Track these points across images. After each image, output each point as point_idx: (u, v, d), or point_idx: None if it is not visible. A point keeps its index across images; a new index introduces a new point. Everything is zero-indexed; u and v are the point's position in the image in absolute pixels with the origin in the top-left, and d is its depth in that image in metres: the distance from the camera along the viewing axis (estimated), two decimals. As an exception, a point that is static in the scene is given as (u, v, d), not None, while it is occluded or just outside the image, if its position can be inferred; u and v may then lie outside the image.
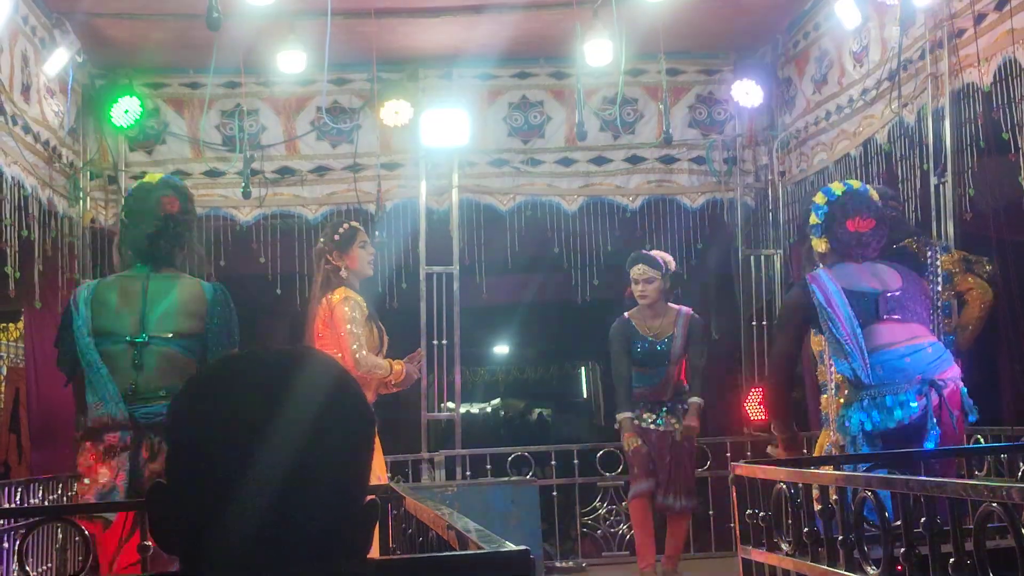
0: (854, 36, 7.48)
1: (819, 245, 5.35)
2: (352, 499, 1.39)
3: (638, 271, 7.47)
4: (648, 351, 7.43)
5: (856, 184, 5.51)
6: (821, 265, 5.34)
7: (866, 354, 4.98)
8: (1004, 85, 5.82)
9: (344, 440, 1.36)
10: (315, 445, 1.32)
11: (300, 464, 1.31)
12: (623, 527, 8.59)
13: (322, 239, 6.32)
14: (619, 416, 7.46)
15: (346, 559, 1.39)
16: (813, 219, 5.36)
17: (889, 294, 5.10)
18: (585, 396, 19.31)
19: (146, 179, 5.22)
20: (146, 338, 4.75)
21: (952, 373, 5.03)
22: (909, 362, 4.98)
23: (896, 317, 5.05)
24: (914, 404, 4.91)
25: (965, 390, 5.06)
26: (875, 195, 5.43)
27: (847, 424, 5.10)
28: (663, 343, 7.45)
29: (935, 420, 4.85)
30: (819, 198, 5.36)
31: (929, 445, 4.84)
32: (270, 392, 1.35)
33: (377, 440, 6.10)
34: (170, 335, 4.80)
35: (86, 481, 4.69)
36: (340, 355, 5.83)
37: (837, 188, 5.37)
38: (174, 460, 1.38)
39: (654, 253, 7.60)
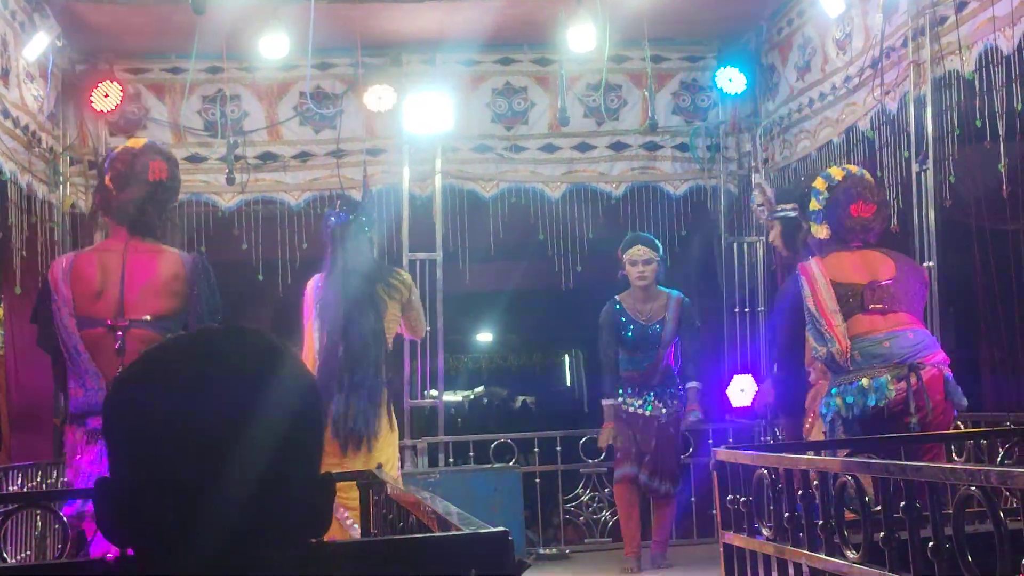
0: (837, 23, 7.49)
1: (819, 231, 5.31)
2: (305, 475, 1.37)
3: (638, 252, 7.46)
4: (639, 335, 7.43)
5: (854, 169, 5.49)
6: (815, 255, 5.32)
7: (846, 340, 4.97)
8: (986, 72, 5.83)
9: (287, 415, 1.34)
10: (258, 423, 1.30)
11: (245, 444, 1.29)
12: (606, 514, 8.60)
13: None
14: (604, 403, 7.48)
15: (305, 535, 1.38)
16: (813, 204, 5.31)
17: (878, 284, 5.08)
18: (569, 383, 19.33)
19: (130, 143, 5.10)
20: (127, 322, 4.69)
21: (935, 359, 5.01)
22: (888, 347, 4.98)
23: (881, 307, 5.04)
24: (891, 388, 4.89)
25: (950, 376, 5.04)
26: (871, 179, 5.42)
27: (824, 410, 5.11)
28: (654, 327, 7.46)
29: (915, 405, 4.85)
30: (819, 183, 5.31)
31: (912, 426, 4.84)
32: (206, 375, 1.33)
33: (395, 427, 6.13)
34: (149, 318, 4.73)
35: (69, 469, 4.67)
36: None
37: (836, 173, 5.34)
38: (115, 454, 1.35)
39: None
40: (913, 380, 4.89)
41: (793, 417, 5.74)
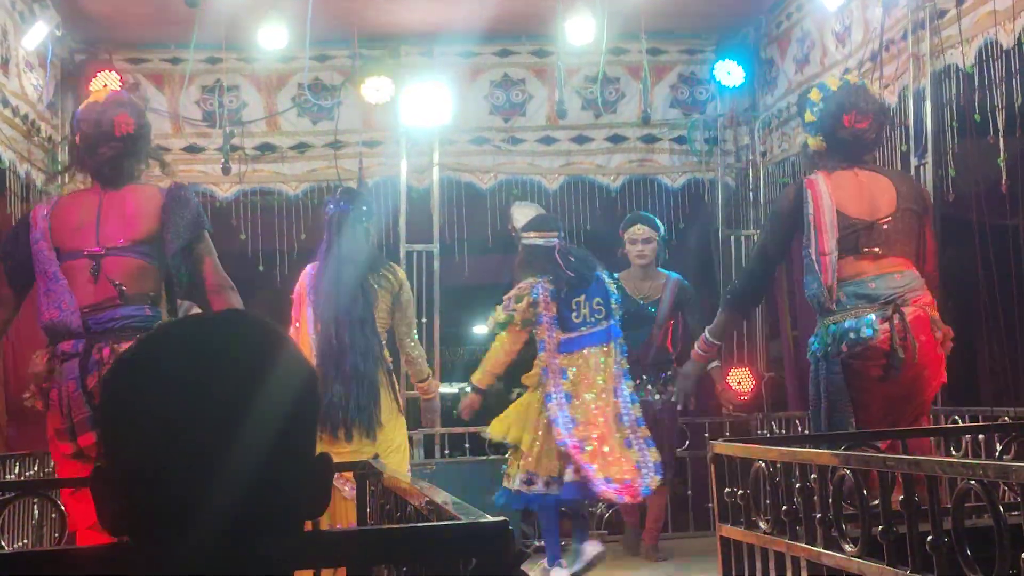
0: (836, 16, 7.48)
1: (814, 143, 5.24)
2: (303, 456, 1.37)
3: (637, 231, 7.49)
4: (635, 312, 7.43)
5: (853, 79, 5.42)
6: (816, 169, 5.24)
7: (834, 279, 4.94)
8: (985, 66, 5.82)
9: (282, 398, 1.33)
10: (254, 407, 1.30)
11: (241, 428, 1.28)
12: (601, 506, 8.59)
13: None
14: None
15: (303, 515, 1.38)
16: (808, 116, 5.24)
17: (878, 223, 5.02)
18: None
19: (92, 99, 5.05)
20: (102, 250, 4.67)
21: (921, 300, 4.97)
22: (873, 287, 4.95)
23: (875, 251, 4.99)
24: (875, 325, 4.86)
25: (936, 317, 5.00)
26: (873, 90, 5.35)
27: (810, 349, 5.09)
28: (650, 305, 7.47)
29: (900, 345, 4.81)
30: (814, 94, 5.24)
31: (895, 368, 4.81)
32: (201, 360, 1.32)
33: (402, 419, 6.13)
34: (124, 242, 4.71)
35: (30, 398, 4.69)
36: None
37: (832, 83, 5.27)
38: (112, 442, 1.34)
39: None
40: (896, 320, 4.85)
41: (732, 313, 5.69)
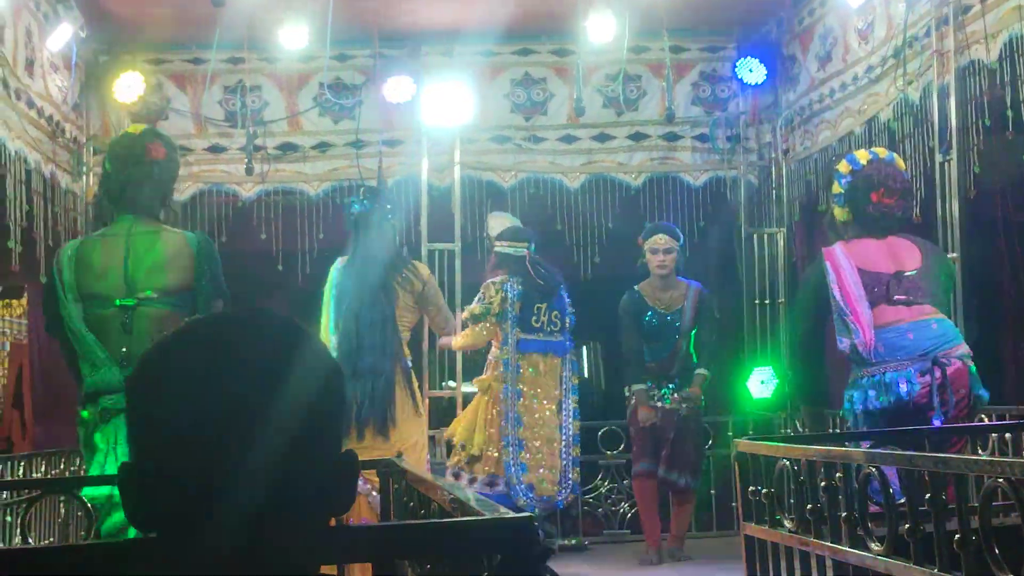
0: (859, 13, 7.44)
1: (840, 215, 5.26)
2: (328, 453, 1.36)
3: (660, 240, 7.47)
4: (658, 324, 7.43)
5: (883, 153, 5.40)
6: (839, 239, 5.26)
7: (871, 331, 4.93)
8: (1010, 62, 5.78)
9: (308, 395, 1.33)
10: (279, 404, 1.29)
11: (266, 425, 1.28)
12: (624, 505, 8.59)
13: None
14: (633, 388, 7.44)
15: (328, 513, 1.37)
16: (836, 188, 5.27)
17: (905, 274, 5.02)
18: (587, 375, 19.30)
19: (130, 129, 5.09)
20: (134, 301, 4.65)
21: (959, 351, 4.96)
22: (912, 338, 4.93)
23: (906, 298, 4.98)
24: (915, 382, 4.85)
25: (974, 368, 4.99)
26: (901, 164, 5.36)
27: (848, 404, 5.07)
28: (673, 315, 7.45)
29: (939, 400, 4.80)
30: (843, 167, 5.26)
31: (937, 421, 4.80)
32: (226, 357, 1.32)
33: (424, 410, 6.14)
34: (158, 295, 4.69)
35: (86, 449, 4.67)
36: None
37: (862, 157, 5.27)
38: (137, 437, 1.34)
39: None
40: (938, 374, 4.84)
41: (816, 405, 5.70)
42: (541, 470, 6.80)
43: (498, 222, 7.25)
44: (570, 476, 6.97)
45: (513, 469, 6.69)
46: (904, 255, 5.10)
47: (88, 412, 4.60)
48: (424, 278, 6.23)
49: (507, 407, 6.78)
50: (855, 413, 5.00)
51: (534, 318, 6.89)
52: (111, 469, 4.45)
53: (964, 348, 4.99)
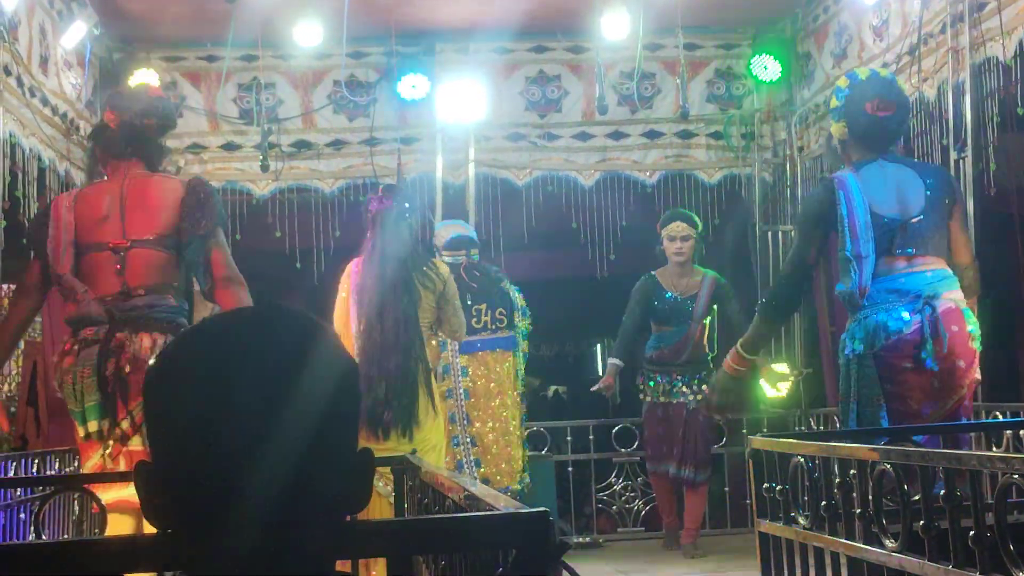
0: (874, 10, 7.43)
1: (837, 130, 5.19)
2: (343, 450, 1.37)
3: (676, 228, 7.53)
4: (671, 307, 7.50)
5: (883, 72, 5.37)
6: (846, 164, 5.19)
7: (868, 281, 4.89)
8: (1026, 59, 5.77)
9: (323, 392, 1.33)
10: (294, 402, 1.30)
11: (281, 423, 1.28)
12: (639, 503, 8.60)
13: None
14: (609, 360, 7.76)
15: (344, 510, 1.38)
16: (833, 102, 5.19)
17: (911, 221, 4.96)
18: (601, 373, 19.27)
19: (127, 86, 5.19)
20: (128, 243, 4.72)
21: (952, 294, 4.91)
22: (903, 282, 4.88)
23: (908, 251, 4.94)
24: (906, 317, 4.80)
25: (969, 311, 4.93)
26: (902, 84, 5.32)
27: (841, 349, 5.03)
28: (687, 301, 7.49)
29: (930, 334, 4.76)
30: (842, 81, 5.20)
31: (927, 358, 4.75)
32: (241, 355, 1.32)
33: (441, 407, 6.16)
34: (151, 237, 4.75)
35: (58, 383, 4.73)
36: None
37: (862, 72, 5.23)
38: (158, 437, 1.34)
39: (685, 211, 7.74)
40: (928, 312, 4.80)
41: (768, 321, 5.56)
42: (497, 464, 6.96)
43: (446, 230, 7.42)
44: (527, 463, 7.24)
45: (466, 465, 6.86)
46: (910, 194, 5.01)
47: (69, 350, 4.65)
48: (444, 277, 6.22)
49: (453, 408, 6.97)
50: (847, 358, 4.96)
51: (474, 319, 7.04)
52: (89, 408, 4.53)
53: (958, 293, 4.93)
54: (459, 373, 7.04)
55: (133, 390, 4.53)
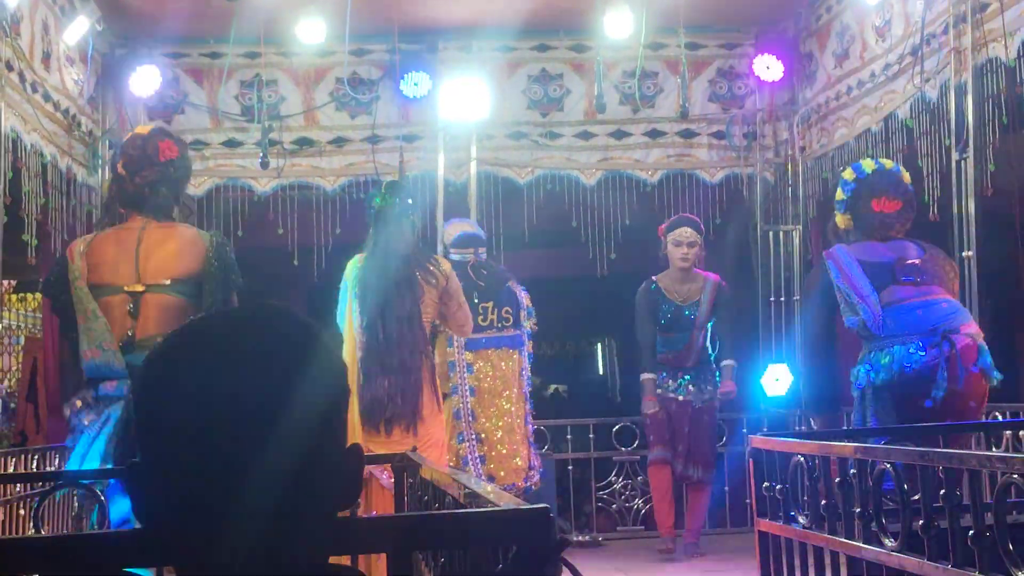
0: (876, 10, 7.43)
1: (842, 221, 5.31)
2: (334, 448, 1.37)
3: (684, 234, 7.53)
4: (674, 316, 7.49)
5: (888, 164, 5.44)
6: (842, 242, 5.29)
7: (878, 307, 4.92)
8: (1029, 60, 5.77)
9: (313, 390, 1.32)
10: (284, 400, 1.30)
11: (272, 421, 1.28)
12: (638, 501, 8.60)
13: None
14: (642, 377, 7.56)
15: (336, 506, 1.39)
16: (839, 195, 5.31)
17: (907, 262, 5.03)
18: (601, 372, 19.28)
19: (138, 130, 5.11)
20: (143, 287, 4.68)
21: (969, 328, 4.94)
22: (921, 314, 4.92)
23: (913, 280, 4.98)
24: (922, 353, 4.82)
25: (985, 347, 4.96)
26: (906, 177, 5.37)
27: (855, 380, 5.05)
28: (690, 308, 7.49)
29: (945, 374, 4.77)
30: (848, 174, 5.30)
31: (939, 394, 4.76)
32: (232, 354, 1.32)
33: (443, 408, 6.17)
34: (167, 282, 4.71)
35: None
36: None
37: (868, 166, 5.30)
38: (144, 437, 1.33)
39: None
40: (946, 348, 4.82)
41: (828, 411, 5.67)
42: (502, 461, 6.96)
43: (454, 227, 7.46)
44: (536, 464, 7.22)
45: (471, 462, 6.86)
46: (905, 251, 5.11)
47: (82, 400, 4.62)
48: (447, 273, 6.22)
49: (459, 405, 6.99)
50: (862, 388, 4.99)
51: (480, 317, 7.04)
52: (91, 457, 4.46)
53: (975, 327, 4.97)
54: (465, 370, 7.05)
55: None
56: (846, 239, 5.32)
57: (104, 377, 4.61)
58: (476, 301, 7.04)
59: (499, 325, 7.17)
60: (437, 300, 6.13)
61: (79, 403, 4.65)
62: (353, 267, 6.14)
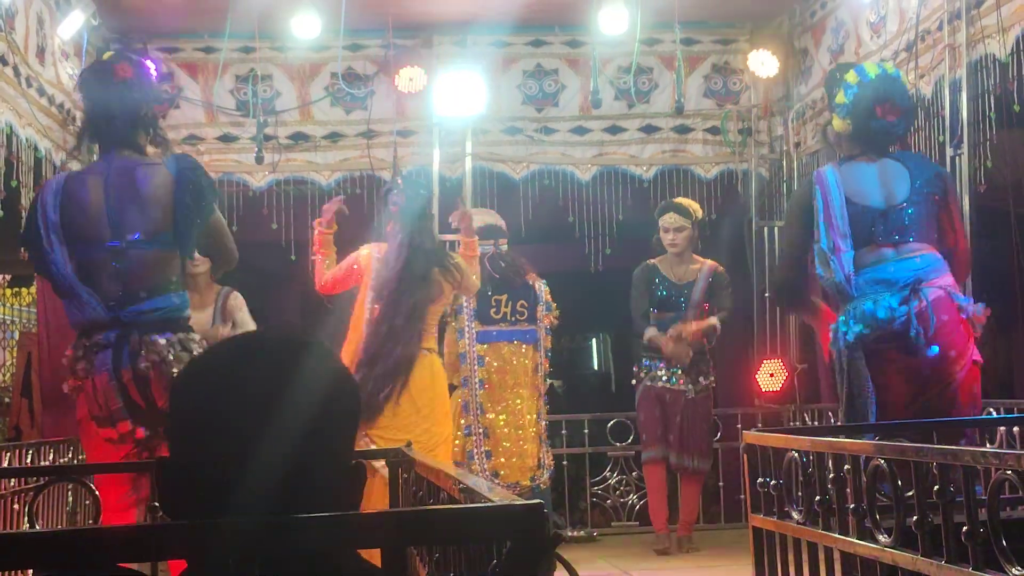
0: (871, 6, 7.44)
1: (840, 125, 5.13)
2: (345, 469, 1.54)
3: (669, 219, 7.53)
4: (668, 294, 7.49)
5: (891, 68, 5.31)
6: (837, 155, 5.18)
7: (851, 270, 4.88)
8: (1022, 56, 5.76)
9: (319, 411, 1.50)
10: (291, 418, 1.46)
11: (290, 436, 1.45)
12: (633, 497, 8.60)
13: None
14: (646, 335, 7.50)
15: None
16: (840, 98, 5.10)
17: (895, 208, 4.94)
18: (596, 367, 19.28)
19: (103, 57, 5.00)
20: (122, 244, 4.59)
21: (942, 281, 4.89)
22: (892, 271, 4.87)
23: (894, 239, 4.92)
24: (895, 307, 4.78)
25: (959, 296, 4.90)
26: (907, 82, 5.28)
27: (833, 339, 5.01)
28: (685, 287, 7.49)
29: (919, 326, 4.74)
30: (851, 76, 5.09)
31: (934, 351, 4.74)
32: (249, 374, 1.50)
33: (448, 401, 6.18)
34: (144, 236, 4.61)
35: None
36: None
37: (872, 69, 5.14)
38: (179, 439, 1.52)
39: (683, 201, 7.68)
40: (918, 302, 4.78)
41: (799, 306, 5.59)
42: (507, 457, 6.95)
43: (475, 219, 7.29)
44: (547, 462, 7.24)
45: (476, 456, 6.79)
46: (894, 183, 4.99)
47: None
48: (464, 269, 6.24)
49: (468, 397, 7.03)
50: (839, 347, 4.95)
51: (493, 310, 7.11)
52: None
53: (948, 278, 4.91)
54: (476, 362, 7.06)
55: (156, 389, 4.49)
56: (839, 148, 5.20)
57: (93, 329, 4.58)
58: (489, 293, 7.07)
59: (512, 319, 7.19)
60: (451, 294, 6.19)
61: (75, 354, 4.64)
62: (369, 257, 6.13)
